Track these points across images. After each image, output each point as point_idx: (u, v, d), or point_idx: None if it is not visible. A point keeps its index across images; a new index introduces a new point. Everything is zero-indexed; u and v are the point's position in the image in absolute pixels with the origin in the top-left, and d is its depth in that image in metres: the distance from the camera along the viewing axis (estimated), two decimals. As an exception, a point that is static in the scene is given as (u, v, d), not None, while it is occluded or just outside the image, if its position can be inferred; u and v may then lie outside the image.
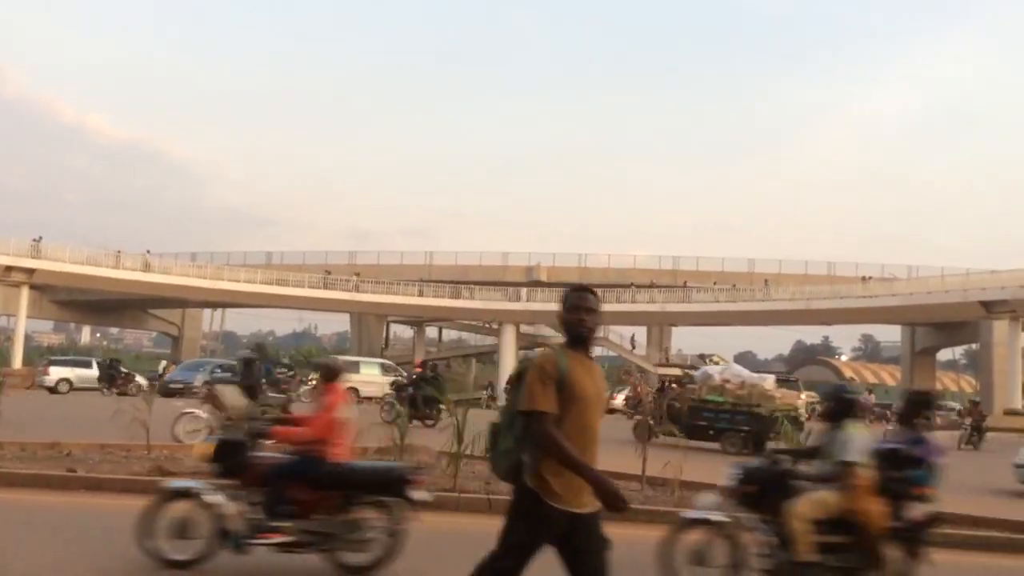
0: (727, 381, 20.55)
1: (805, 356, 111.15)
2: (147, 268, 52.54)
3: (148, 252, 54.97)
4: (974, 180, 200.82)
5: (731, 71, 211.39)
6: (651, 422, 18.90)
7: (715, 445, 18.81)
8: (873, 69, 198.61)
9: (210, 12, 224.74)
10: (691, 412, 19.47)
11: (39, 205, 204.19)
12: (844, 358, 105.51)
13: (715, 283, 58.02)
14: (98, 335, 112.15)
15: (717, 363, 68.01)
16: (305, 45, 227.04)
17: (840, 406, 6.09)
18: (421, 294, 57.57)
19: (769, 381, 21.49)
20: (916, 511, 6.01)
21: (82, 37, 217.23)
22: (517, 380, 3.71)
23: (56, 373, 32.81)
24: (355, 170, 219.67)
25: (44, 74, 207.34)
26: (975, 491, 13.78)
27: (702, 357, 64.30)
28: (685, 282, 58.36)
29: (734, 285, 56.51)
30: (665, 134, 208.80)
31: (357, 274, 59.18)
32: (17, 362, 47.01)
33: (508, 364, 57.49)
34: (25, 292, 49.98)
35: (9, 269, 47.93)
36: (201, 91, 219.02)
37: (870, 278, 54.20)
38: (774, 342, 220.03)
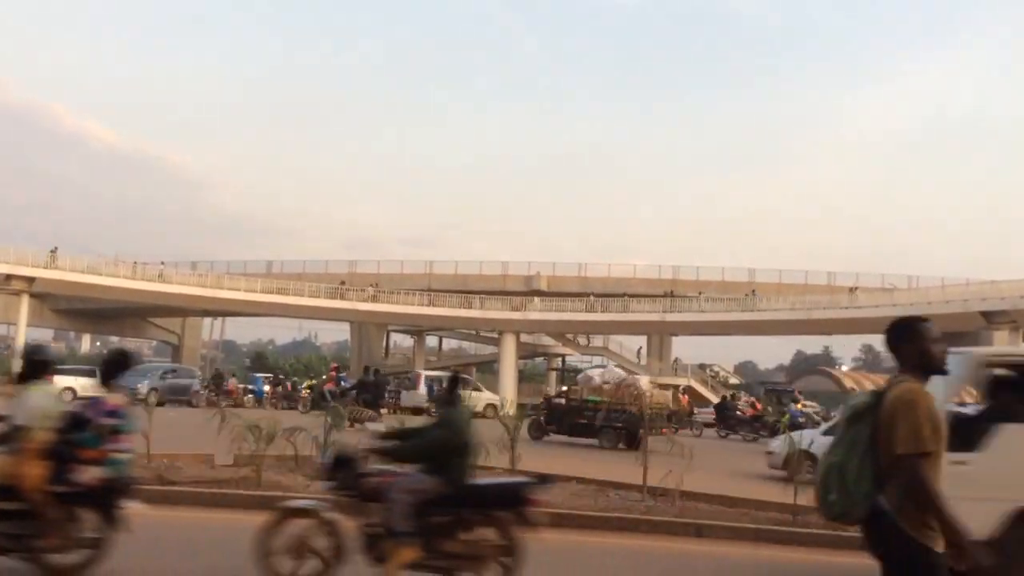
0: (606, 383, 22.53)
1: (806, 366, 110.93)
2: (143, 277, 52.62)
3: (163, 263, 55.06)
4: (970, 192, 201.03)
5: (731, 82, 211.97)
6: (540, 420, 23.13)
7: (594, 441, 21.23)
8: (873, 81, 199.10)
9: (209, 20, 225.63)
10: (574, 411, 21.93)
11: (38, 213, 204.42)
12: (845, 368, 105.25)
13: (703, 293, 58.03)
14: (98, 344, 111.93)
15: (717, 373, 68.27)
16: (305, 54, 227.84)
17: (29, 368, 5.91)
18: (432, 303, 57.53)
19: (643, 381, 22.98)
20: (87, 474, 5.73)
21: (81, 45, 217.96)
22: (864, 413, 3.39)
23: (60, 382, 32.70)
24: (356, 179, 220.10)
25: (43, 81, 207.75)
26: (722, 473, 14.54)
27: (702, 367, 64.32)
28: (671, 292, 58.36)
29: (749, 294, 56.51)
30: (664, 144, 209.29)
31: (374, 284, 59.24)
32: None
33: (508, 373, 57.45)
34: (25, 300, 50.01)
35: (9, 277, 47.97)
36: (201, 99, 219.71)
37: (856, 288, 54.24)
38: (775, 352, 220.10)
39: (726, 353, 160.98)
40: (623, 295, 57.73)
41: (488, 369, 71.57)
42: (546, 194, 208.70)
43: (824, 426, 17.97)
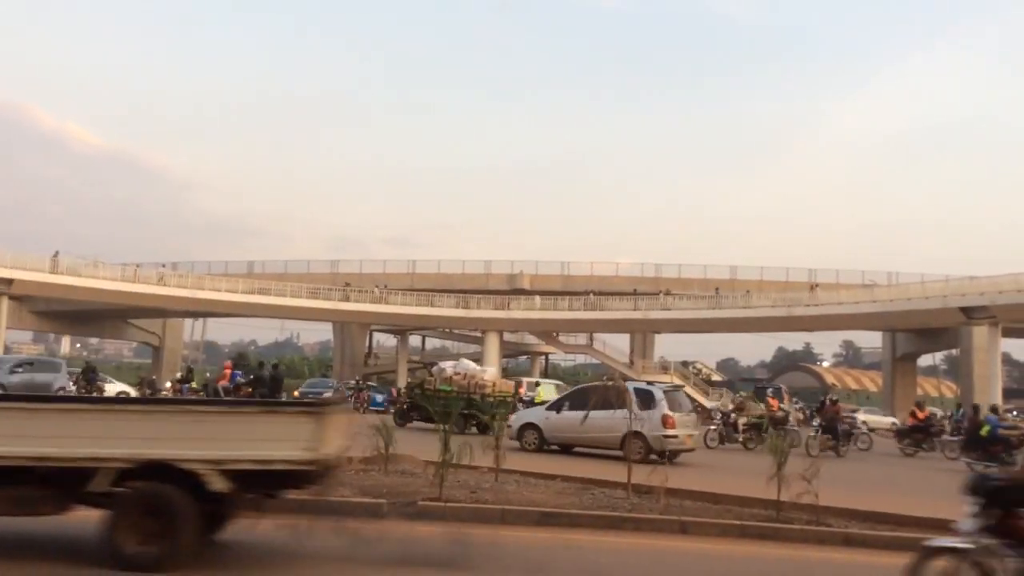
0: (456, 374, 25.29)
1: (787, 362, 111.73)
2: (128, 279, 52.24)
3: (126, 265, 54.64)
4: (952, 191, 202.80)
5: (715, 82, 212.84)
6: (405, 408, 25.71)
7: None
8: (857, 82, 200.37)
9: (195, 20, 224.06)
10: (430, 400, 23.52)
11: (17, 215, 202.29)
12: (826, 364, 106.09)
13: (717, 290, 58.29)
14: (78, 345, 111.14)
15: (700, 370, 68.58)
16: (288, 56, 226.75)
17: None
18: (433, 304, 57.63)
19: (490, 373, 27.23)
20: None
21: (61, 44, 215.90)
22: None
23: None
24: (338, 180, 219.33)
25: (21, 81, 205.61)
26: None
27: (685, 364, 64.57)
28: (667, 290, 58.57)
29: (713, 292, 56.82)
30: (649, 144, 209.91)
31: (381, 286, 59.18)
32: (-4, 373, 46.38)
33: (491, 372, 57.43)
34: (4, 303, 49.49)
35: (-13, 279, 47.44)
36: (183, 100, 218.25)
37: (817, 286, 54.78)
38: (757, 349, 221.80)
39: (708, 349, 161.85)
40: (586, 293, 57.93)
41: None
42: (530, 195, 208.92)
43: None
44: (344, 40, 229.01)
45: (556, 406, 19.78)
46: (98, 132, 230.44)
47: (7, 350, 45.21)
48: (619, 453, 15.97)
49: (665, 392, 19.11)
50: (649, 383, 21.65)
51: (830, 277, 58.67)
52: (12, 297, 51.06)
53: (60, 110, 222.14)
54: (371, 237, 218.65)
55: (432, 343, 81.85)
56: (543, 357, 78.05)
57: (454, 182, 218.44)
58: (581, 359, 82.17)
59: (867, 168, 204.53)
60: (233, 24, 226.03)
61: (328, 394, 33.81)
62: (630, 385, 18.34)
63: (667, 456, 16.33)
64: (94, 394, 29.19)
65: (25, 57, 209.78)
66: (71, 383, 29.36)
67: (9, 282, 48.16)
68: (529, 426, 19.41)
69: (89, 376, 31.73)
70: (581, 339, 65.05)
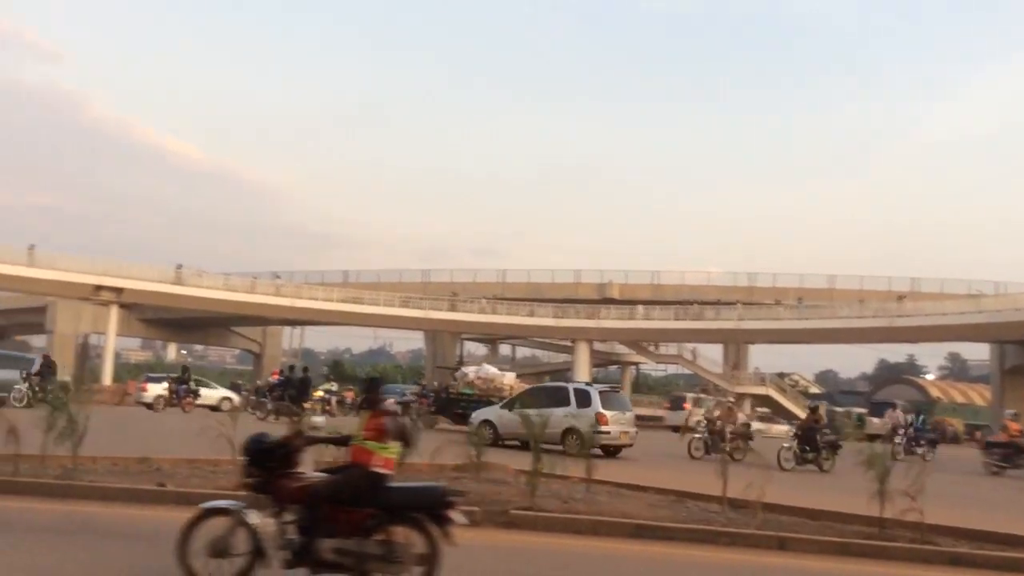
0: (478, 378, 26.89)
1: (889, 374, 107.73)
2: (230, 288, 54.28)
3: (255, 278, 56.83)
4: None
5: (805, 88, 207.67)
6: (432, 410, 27.31)
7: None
8: (945, 87, 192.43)
9: (283, 40, 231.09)
10: (453, 402, 25.13)
11: (124, 227, 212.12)
12: (930, 376, 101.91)
13: (801, 300, 56.95)
14: (183, 352, 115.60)
15: (796, 382, 66.94)
16: (372, 69, 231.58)
17: None
18: (535, 314, 57.74)
19: (508, 377, 28.29)
20: None
21: (161, 63, 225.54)
22: None
23: (153, 390, 33.67)
24: (426, 191, 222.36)
25: (123, 98, 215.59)
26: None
27: (781, 376, 63.13)
28: (783, 301, 57.35)
29: (796, 302, 55.37)
30: (741, 151, 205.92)
31: (492, 296, 60.05)
32: (107, 379, 48.75)
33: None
34: (114, 311, 51.92)
35: (99, 288, 49.93)
36: (278, 116, 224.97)
37: (904, 297, 52.70)
38: (857, 360, 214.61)
39: (805, 360, 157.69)
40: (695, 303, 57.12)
41: (562, 377, 71.56)
42: (620, 203, 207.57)
43: None
44: (432, 54, 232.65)
45: (509, 404, 21.17)
46: (199, 146, 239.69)
47: (117, 356, 47.37)
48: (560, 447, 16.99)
49: (601, 392, 20.56)
50: (588, 384, 23.45)
51: (934, 287, 56.53)
52: (122, 305, 53.51)
53: (162, 125, 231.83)
54: (459, 247, 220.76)
55: (523, 352, 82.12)
56: (633, 367, 77.38)
57: (542, 192, 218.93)
58: (673, 369, 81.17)
59: (958, 173, 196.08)
60: (323, 42, 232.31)
61: (391, 401, 33.87)
62: (570, 386, 21.58)
63: (610, 451, 18.60)
64: (185, 398, 30.15)
65: (128, 75, 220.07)
66: (22, 382, 24.99)
67: (119, 291, 50.52)
68: (486, 422, 20.72)
69: (182, 379, 31.50)
70: (672, 349, 64.29)
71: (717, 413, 21.97)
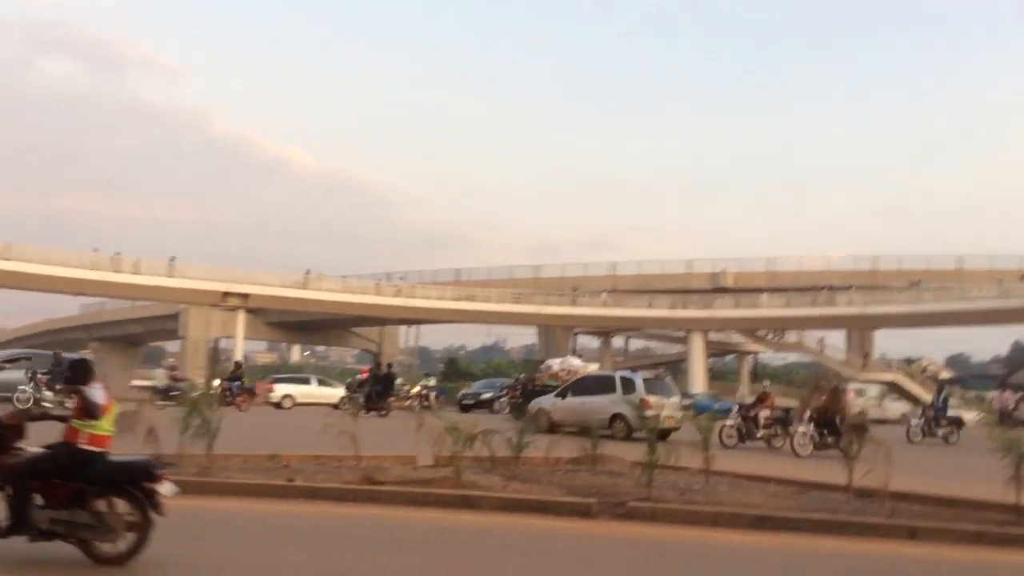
0: (562, 370, 27.56)
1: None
2: (348, 290, 56.05)
3: (345, 277, 58.57)
4: None
5: (912, 61, 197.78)
6: (519, 403, 26.81)
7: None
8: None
9: (391, 48, 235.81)
10: (538, 394, 25.18)
11: (249, 235, 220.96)
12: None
13: (919, 282, 54.48)
14: (307, 353, 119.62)
15: (926, 367, 63.94)
16: (483, 67, 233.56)
17: None
18: (651, 305, 57.35)
19: (591, 368, 29.53)
20: None
21: (277, 74, 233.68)
22: None
23: (280, 390, 35.15)
24: (534, 188, 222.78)
25: (244, 112, 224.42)
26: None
27: (909, 361, 60.51)
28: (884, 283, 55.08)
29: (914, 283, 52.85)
30: (855, 134, 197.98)
31: (610, 288, 60.17)
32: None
33: (697, 372, 56.47)
34: (241, 315, 54.38)
35: (227, 295, 52.43)
36: (385, 119, 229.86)
37: None
38: (990, 343, 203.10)
39: (934, 344, 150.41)
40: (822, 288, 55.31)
41: (677, 369, 70.68)
42: (732, 192, 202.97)
43: None
44: (532, 51, 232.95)
45: (562, 393, 22.60)
46: (314, 154, 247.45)
47: (246, 359, 49.51)
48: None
49: (645, 380, 21.93)
50: (632, 370, 25.40)
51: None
52: (248, 310, 55.94)
53: (280, 137, 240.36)
54: (568, 241, 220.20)
55: (636, 344, 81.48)
56: (751, 356, 75.63)
57: (651, 183, 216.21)
58: (794, 357, 78.92)
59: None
60: (430, 49, 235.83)
61: (488, 395, 34.70)
62: (616, 375, 23.11)
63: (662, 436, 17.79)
64: (239, 396, 28.07)
65: (245, 90, 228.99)
66: (28, 382, 22.65)
67: (245, 296, 52.86)
68: (541, 411, 21.93)
69: (235, 375, 29.93)
70: (792, 337, 62.56)
71: (823, 399, 20.22)
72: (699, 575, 6.95)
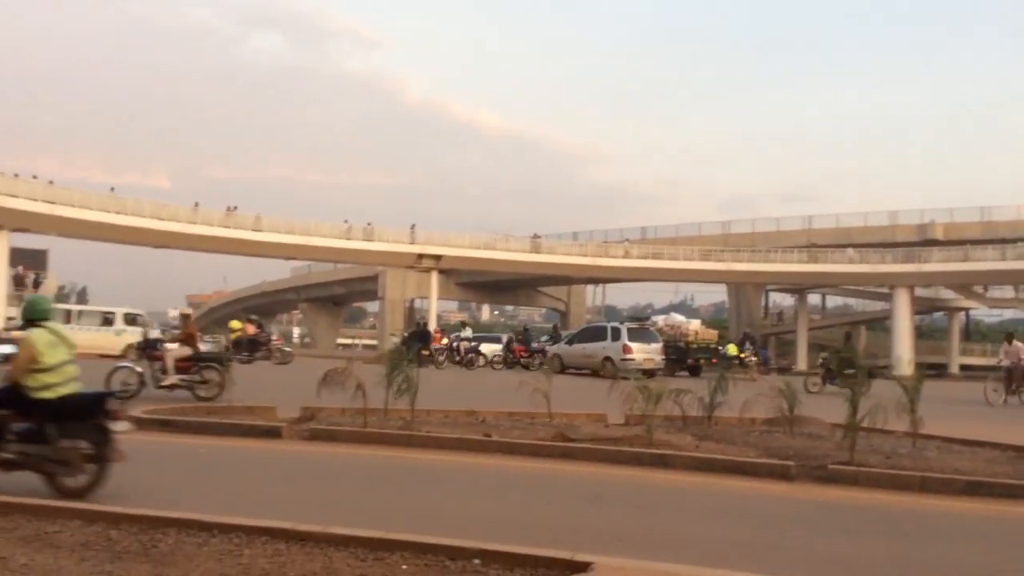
0: (667, 325, 31.39)
1: None
2: (535, 250, 56.86)
3: (535, 236, 59.28)
4: None
5: None
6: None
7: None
8: None
9: (572, 10, 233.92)
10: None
11: (443, 198, 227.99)
12: None
13: None
14: (496, 312, 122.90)
15: None
16: (663, 28, 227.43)
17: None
18: (852, 260, 54.95)
19: (694, 324, 33.15)
20: None
21: (461, 41, 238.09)
22: None
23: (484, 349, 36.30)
24: (727, 144, 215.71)
25: (436, 80, 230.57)
26: None
27: None
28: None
29: None
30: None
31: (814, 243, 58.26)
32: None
33: (902, 330, 53.18)
34: (435, 276, 56.48)
35: (421, 257, 54.60)
36: (571, 80, 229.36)
37: None
38: None
39: None
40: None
41: (880, 327, 66.86)
42: (938, 141, 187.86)
43: None
44: (742, 23, 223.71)
45: (569, 340, 28.33)
46: (502, 117, 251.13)
47: (438, 318, 51.49)
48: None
49: (630, 329, 26.55)
50: (621, 322, 29.37)
51: None
52: (441, 271, 58.02)
53: (471, 101, 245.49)
54: (764, 195, 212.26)
55: (834, 301, 77.76)
56: (963, 313, 70.35)
57: (852, 133, 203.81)
58: (1010, 314, 72.74)
59: None
60: (611, 10, 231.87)
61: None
62: (608, 325, 28.05)
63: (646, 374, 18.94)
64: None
65: (438, 58, 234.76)
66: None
67: (438, 258, 54.82)
68: (556, 355, 27.38)
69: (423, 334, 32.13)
70: (1008, 292, 57.61)
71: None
72: (913, 541, 6.63)
